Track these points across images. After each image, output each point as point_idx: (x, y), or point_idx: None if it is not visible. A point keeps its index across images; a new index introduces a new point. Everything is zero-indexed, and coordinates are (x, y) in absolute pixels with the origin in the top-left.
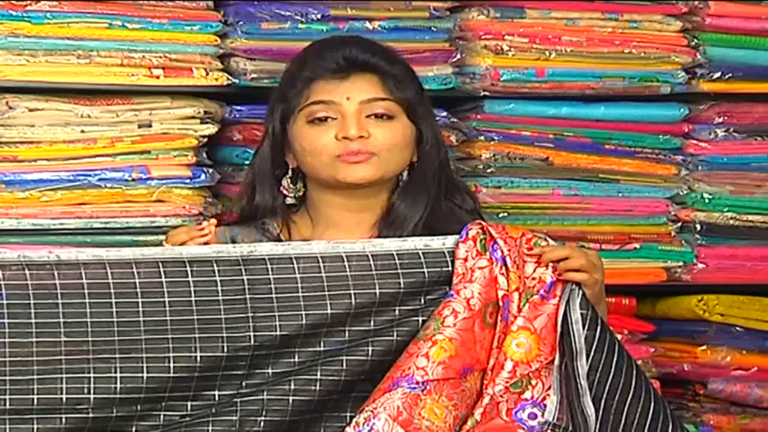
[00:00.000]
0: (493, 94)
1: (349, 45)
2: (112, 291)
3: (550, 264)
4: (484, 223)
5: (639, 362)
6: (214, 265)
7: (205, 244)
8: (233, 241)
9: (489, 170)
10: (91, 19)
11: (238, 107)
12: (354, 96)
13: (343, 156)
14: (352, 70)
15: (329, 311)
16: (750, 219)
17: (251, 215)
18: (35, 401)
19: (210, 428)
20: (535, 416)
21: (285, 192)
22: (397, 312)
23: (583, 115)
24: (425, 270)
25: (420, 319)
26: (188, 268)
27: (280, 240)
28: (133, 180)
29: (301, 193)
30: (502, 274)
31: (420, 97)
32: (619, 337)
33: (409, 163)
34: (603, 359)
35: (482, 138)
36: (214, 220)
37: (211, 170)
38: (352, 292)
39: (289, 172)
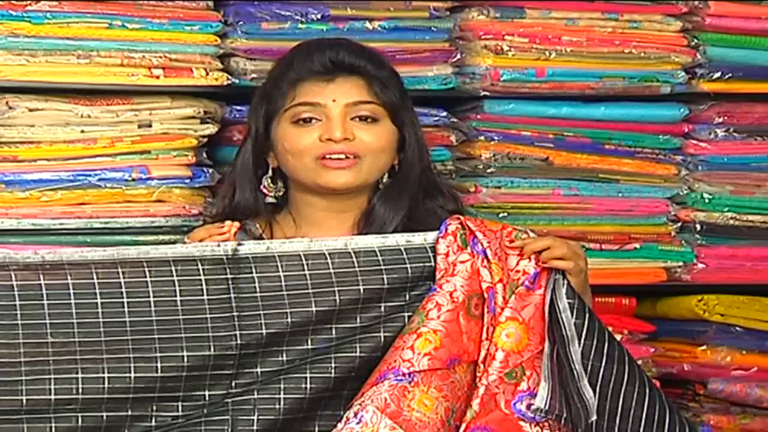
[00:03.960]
0: (493, 94)
1: (336, 47)
2: (98, 291)
3: (533, 256)
4: (462, 218)
5: (639, 362)
6: (199, 264)
7: None
8: None
9: (489, 170)
10: (91, 19)
11: (238, 107)
12: (339, 98)
13: (326, 157)
14: (338, 72)
15: (314, 309)
16: (750, 219)
17: (233, 215)
18: (24, 402)
19: (203, 428)
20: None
21: (265, 191)
22: (382, 309)
23: (583, 115)
24: (408, 266)
25: (406, 315)
26: (173, 268)
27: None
28: (133, 180)
29: (281, 193)
30: (485, 266)
31: (404, 102)
32: (618, 337)
33: (390, 166)
34: (594, 347)
35: (482, 138)
36: (237, 223)
37: (211, 170)
38: (335, 289)
39: (270, 171)
